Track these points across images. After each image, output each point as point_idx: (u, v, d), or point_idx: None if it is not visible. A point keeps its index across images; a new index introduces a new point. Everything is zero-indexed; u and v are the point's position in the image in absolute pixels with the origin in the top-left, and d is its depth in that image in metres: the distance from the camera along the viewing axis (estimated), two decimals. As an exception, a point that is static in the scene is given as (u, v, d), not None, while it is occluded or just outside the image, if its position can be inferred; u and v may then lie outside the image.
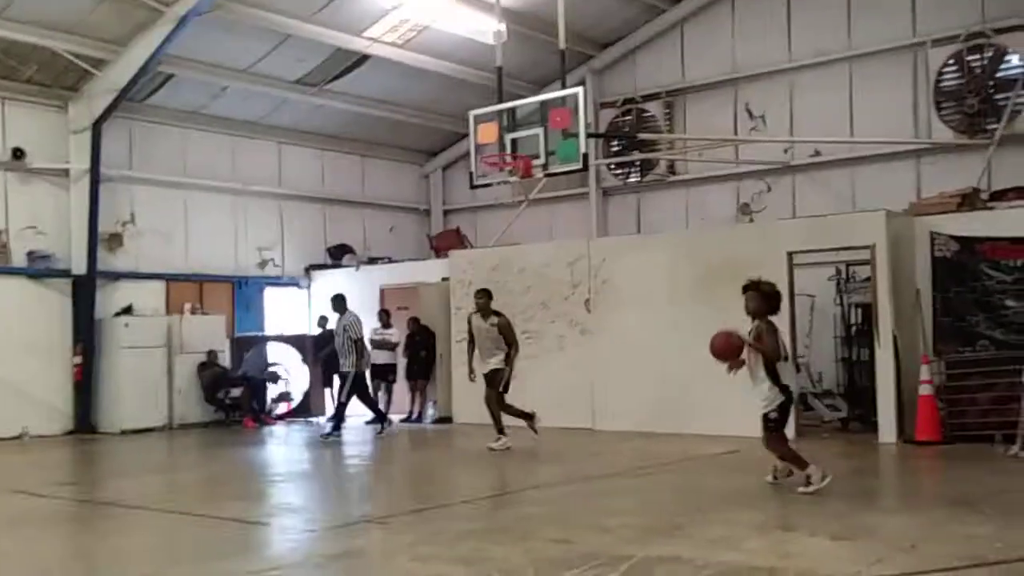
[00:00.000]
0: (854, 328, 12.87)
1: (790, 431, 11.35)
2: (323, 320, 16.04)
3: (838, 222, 12.09)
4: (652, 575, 5.24)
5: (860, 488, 8.70)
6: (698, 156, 17.00)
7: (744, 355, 7.89)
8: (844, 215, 12.79)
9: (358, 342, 13.12)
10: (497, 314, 11.85)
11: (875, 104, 14.87)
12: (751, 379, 7.95)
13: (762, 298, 7.99)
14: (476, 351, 11.88)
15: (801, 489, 7.74)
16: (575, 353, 13.64)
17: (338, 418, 13.48)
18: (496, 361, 11.58)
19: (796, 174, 15.78)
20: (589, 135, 14.18)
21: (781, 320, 11.48)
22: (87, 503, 9.06)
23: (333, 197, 18.76)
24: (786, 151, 15.75)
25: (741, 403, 11.88)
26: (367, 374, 13.77)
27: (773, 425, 7.95)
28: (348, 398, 13.25)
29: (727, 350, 7.91)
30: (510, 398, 11.75)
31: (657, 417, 12.58)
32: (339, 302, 13.49)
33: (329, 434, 13.16)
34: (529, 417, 11.76)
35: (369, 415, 14.14)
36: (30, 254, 14.51)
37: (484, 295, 11.98)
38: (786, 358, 8.07)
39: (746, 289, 8.04)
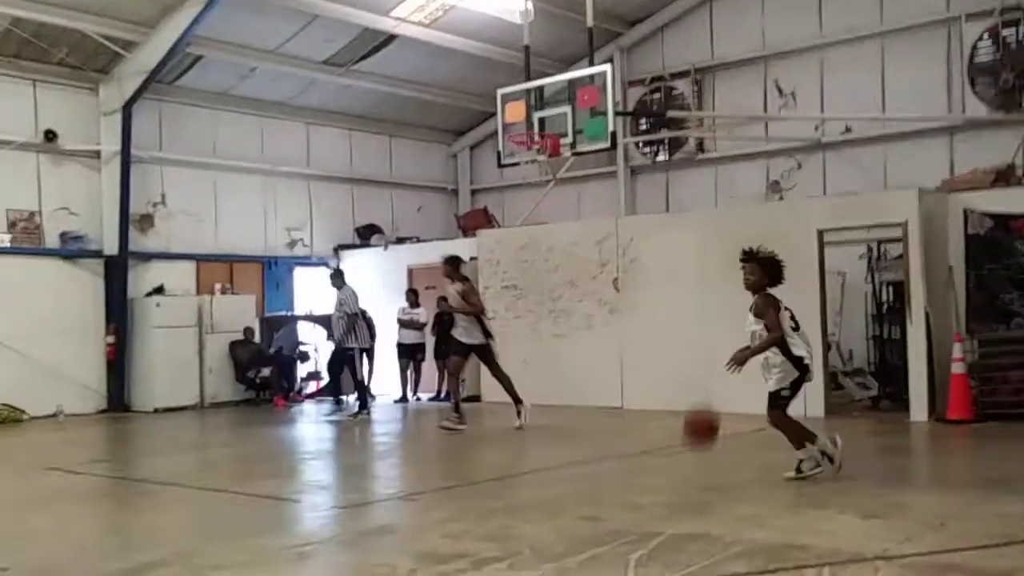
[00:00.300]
0: (885, 306, 12.77)
1: (819, 408, 11.43)
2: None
3: (870, 200, 11.99)
4: (682, 552, 5.25)
5: (891, 467, 8.66)
6: (727, 134, 16.89)
7: (754, 340, 7.26)
8: (876, 193, 12.67)
9: (352, 316, 13.11)
10: (464, 280, 11.53)
11: (907, 80, 14.68)
12: (763, 370, 7.32)
13: (762, 270, 7.30)
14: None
15: (787, 475, 7.28)
16: (603, 332, 13.63)
17: (362, 396, 13.58)
18: (475, 338, 11.22)
19: (827, 152, 15.63)
20: (617, 113, 14.14)
21: (810, 298, 11.58)
22: (122, 480, 9.21)
23: (361, 177, 18.80)
24: (816, 128, 15.61)
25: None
26: (359, 353, 13.64)
27: (783, 402, 7.36)
28: (362, 373, 13.29)
29: (702, 436, 7.32)
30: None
31: (686, 396, 12.37)
32: (338, 277, 13.54)
33: (358, 413, 13.25)
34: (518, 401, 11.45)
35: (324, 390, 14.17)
36: (63, 235, 14.68)
37: (450, 262, 11.61)
38: (796, 328, 7.34)
39: (744, 260, 7.36)
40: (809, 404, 11.42)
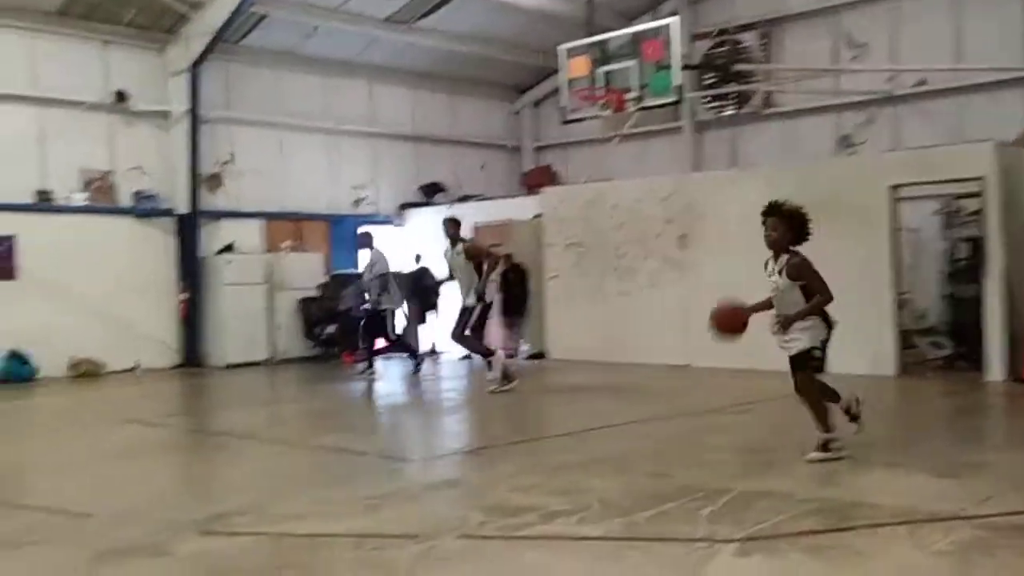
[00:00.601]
0: (960, 264, 12.46)
1: (891, 368, 11.22)
2: (417, 257, 16.26)
3: (945, 154, 11.65)
4: (752, 509, 5.23)
5: (966, 427, 8.52)
6: (795, 88, 16.50)
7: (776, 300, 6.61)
8: (951, 147, 12.31)
9: (384, 277, 13.09)
10: (464, 240, 11.27)
11: (985, 30, 14.16)
12: (780, 329, 6.58)
13: (786, 225, 6.50)
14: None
15: (813, 455, 6.47)
16: (669, 290, 13.52)
17: (409, 352, 13.69)
18: (470, 300, 10.93)
19: (899, 105, 15.20)
20: (683, 67, 13.88)
21: (881, 256, 11.35)
22: (197, 433, 9.46)
23: (424, 135, 18.81)
24: (889, 81, 15.17)
25: (834, 339, 11.72)
26: (391, 314, 13.35)
27: (816, 363, 6.59)
28: (398, 331, 13.22)
29: (733, 327, 6.71)
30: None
31: (752, 354, 12.26)
32: (365, 239, 13.49)
33: (416, 371, 13.35)
34: (489, 353, 11.18)
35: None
36: (136, 194, 14.97)
37: (451, 224, 11.33)
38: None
39: (766, 214, 6.60)
40: (880, 364, 11.27)
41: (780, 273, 6.53)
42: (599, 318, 13.79)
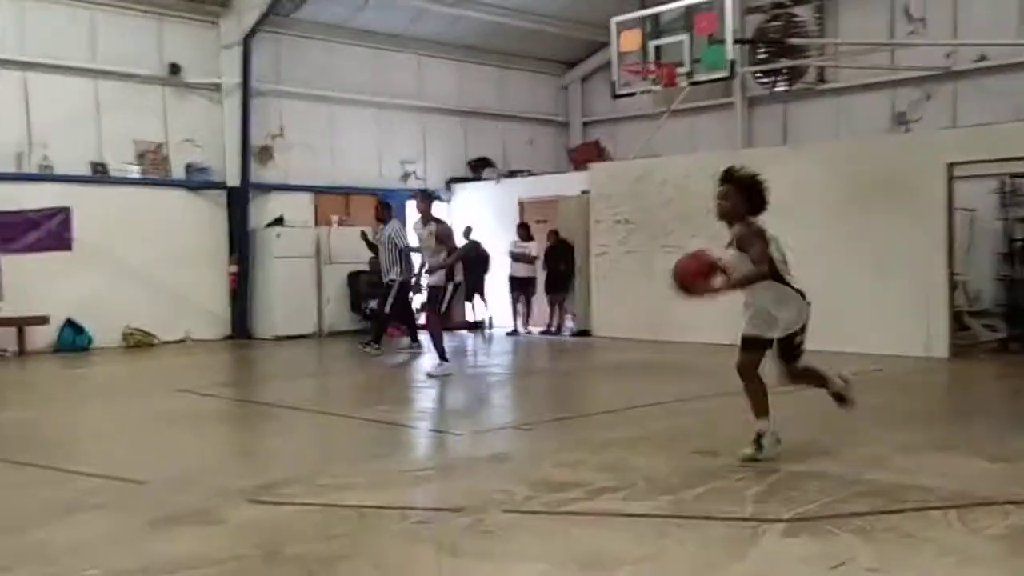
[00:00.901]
0: (1016, 244, 12.21)
1: (943, 350, 11.04)
2: (468, 230, 16.28)
3: (1005, 131, 11.37)
4: (799, 489, 5.19)
5: (1019, 410, 8.35)
6: (850, 63, 16.19)
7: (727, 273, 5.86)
8: (1011, 124, 12.01)
9: (403, 251, 12.89)
10: (438, 221, 10.81)
11: (1050, 3, 13.79)
12: (756, 313, 5.99)
13: (741, 194, 5.85)
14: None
15: (745, 452, 5.87)
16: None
17: (411, 329, 13.53)
18: (436, 278, 10.53)
19: (958, 81, 14.85)
20: (736, 41, 13.69)
21: (936, 236, 11.14)
22: (247, 403, 9.60)
23: (472, 110, 18.79)
24: (948, 56, 14.83)
25: (886, 320, 11.56)
26: (411, 282, 12.66)
27: (798, 352, 5.93)
28: (392, 308, 12.80)
29: (695, 275, 5.89)
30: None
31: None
32: (385, 210, 13.31)
33: (411, 344, 13.25)
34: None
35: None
36: (188, 167, 15.16)
37: (424, 198, 10.93)
38: (784, 263, 5.91)
39: (721, 182, 5.92)
40: (933, 346, 11.10)
41: (731, 245, 5.92)
42: (646, 295, 13.71)
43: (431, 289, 10.68)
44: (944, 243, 11.22)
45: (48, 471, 6.17)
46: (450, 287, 10.51)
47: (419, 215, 10.91)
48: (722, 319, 12.98)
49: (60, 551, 4.45)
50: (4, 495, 5.69)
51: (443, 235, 10.57)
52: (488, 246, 16.43)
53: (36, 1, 13.71)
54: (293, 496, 5.31)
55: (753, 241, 5.78)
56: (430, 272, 10.67)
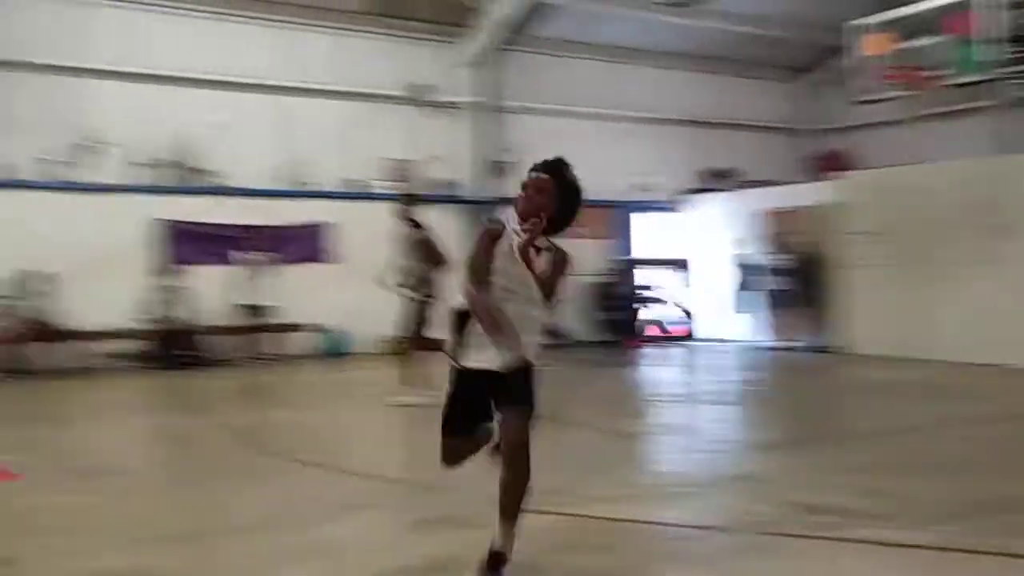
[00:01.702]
0: None
1: None
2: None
3: None
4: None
5: None
6: None
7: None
8: None
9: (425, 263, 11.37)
10: (419, 226, 9.58)
11: None
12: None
13: (558, 194, 4.31)
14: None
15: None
16: (980, 283, 12.42)
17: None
18: (421, 293, 9.51)
19: None
20: (992, 41, 12.83)
21: None
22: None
23: (704, 120, 18.62)
24: None
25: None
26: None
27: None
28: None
29: None
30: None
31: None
32: (413, 203, 12.26)
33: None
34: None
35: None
36: (432, 182, 15.92)
37: (405, 199, 9.89)
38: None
39: (539, 170, 4.38)
40: None
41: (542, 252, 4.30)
42: (903, 311, 12.98)
43: (414, 304, 9.63)
44: None
45: (322, 470, 6.63)
46: (427, 305, 9.48)
47: (401, 220, 9.72)
48: (988, 337, 12.05)
49: (339, 547, 4.77)
50: (284, 493, 6.16)
51: (422, 242, 9.54)
52: (721, 257, 16.21)
53: (296, 32, 14.85)
54: (550, 506, 5.41)
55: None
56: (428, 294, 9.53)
